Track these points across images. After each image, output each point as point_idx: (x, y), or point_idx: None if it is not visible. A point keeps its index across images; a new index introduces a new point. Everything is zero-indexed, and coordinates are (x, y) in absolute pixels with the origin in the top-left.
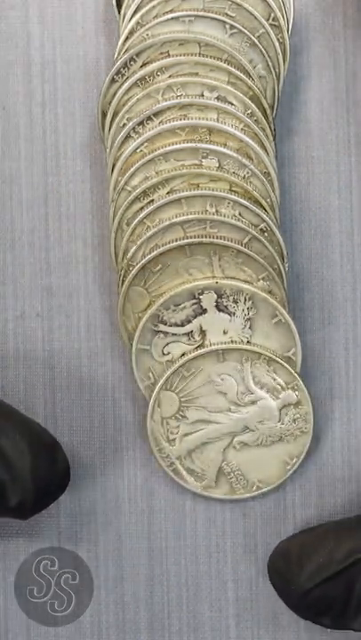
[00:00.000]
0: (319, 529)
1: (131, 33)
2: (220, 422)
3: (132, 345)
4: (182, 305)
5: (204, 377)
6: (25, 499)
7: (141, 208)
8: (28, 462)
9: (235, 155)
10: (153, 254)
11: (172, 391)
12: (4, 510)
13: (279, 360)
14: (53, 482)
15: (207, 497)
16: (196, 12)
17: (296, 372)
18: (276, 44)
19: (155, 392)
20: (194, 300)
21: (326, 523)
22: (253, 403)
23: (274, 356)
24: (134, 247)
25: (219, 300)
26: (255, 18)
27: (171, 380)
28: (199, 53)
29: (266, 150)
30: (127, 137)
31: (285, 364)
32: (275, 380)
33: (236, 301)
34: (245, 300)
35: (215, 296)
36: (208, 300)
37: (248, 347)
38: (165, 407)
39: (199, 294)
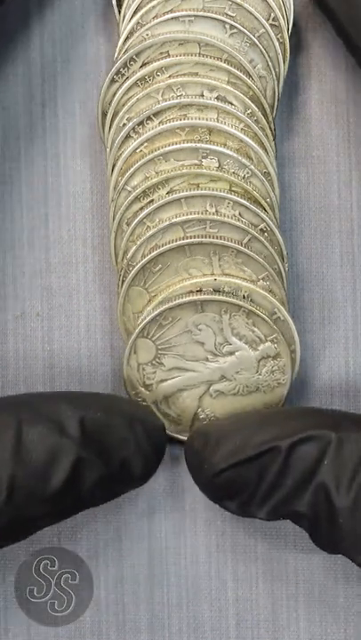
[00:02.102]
0: (243, 414)
1: (131, 33)
2: (196, 371)
3: None
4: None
5: (182, 326)
6: (147, 463)
7: (141, 208)
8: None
9: (235, 155)
10: (153, 254)
11: (149, 339)
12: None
13: (259, 312)
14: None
15: (183, 441)
16: (195, 12)
17: (276, 326)
18: (276, 44)
19: (131, 339)
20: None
21: (252, 411)
22: (231, 353)
23: (254, 309)
24: (134, 247)
25: None
26: (255, 18)
27: (148, 328)
28: (199, 53)
29: (266, 150)
30: (127, 137)
31: (265, 317)
32: (254, 332)
33: (235, 297)
34: (244, 297)
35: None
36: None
37: (227, 298)
38: (142, 354)
39: (198, 291)
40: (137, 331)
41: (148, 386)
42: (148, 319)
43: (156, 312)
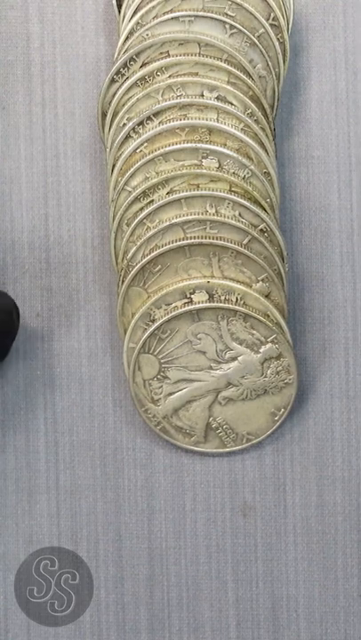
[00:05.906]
0: None
1: (131, 33)
2: (202, 380)
3: None
4: (173, 304)
5: (181, 337)
6: None
7: (141, 208)
8: None
9: (235, 155)
10: (153, 255)
11: (151, 354)
12: None
13: (255, 315)
14: None
15: (200, 452)
16: (195, 12)
17: (274, 326)
18: (276, 44)
19: (133, 356)
20: (185, 300)
21: None
22: (234, 359)
23: (250, 312)
24: (134, 248)
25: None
26: (255, 18)
27: (148, 343)
28: (199, 53)
29: (266, 150)
30: (127, 137)
31: (262, 319)
32: (253, 335)
33: (227, 301)
34: (237, 299)
35: (206, 295)
36: (199, 299)
37: (222, 305)
38: (146, 370)
39: (190, 293)
40: (138, 347)
41: (157, 401)
42: (146, 335)
43: (153, 327)
